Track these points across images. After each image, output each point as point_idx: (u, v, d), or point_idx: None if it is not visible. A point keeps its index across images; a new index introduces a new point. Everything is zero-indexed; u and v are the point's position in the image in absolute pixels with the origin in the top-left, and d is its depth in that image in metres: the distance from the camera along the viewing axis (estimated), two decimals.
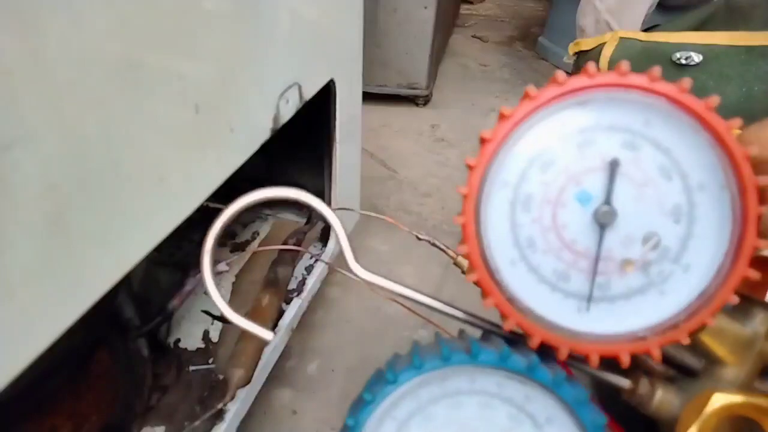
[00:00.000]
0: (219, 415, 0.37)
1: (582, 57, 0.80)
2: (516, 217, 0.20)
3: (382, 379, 0.21)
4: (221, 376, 0.41)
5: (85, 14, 0.19)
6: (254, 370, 0.36)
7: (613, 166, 0.19)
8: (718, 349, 0.22)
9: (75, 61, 0.19)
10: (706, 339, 0.21)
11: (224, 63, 0.28)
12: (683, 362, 0.22)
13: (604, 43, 0.74)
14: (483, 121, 1.02)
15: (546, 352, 0.21)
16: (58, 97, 0.19)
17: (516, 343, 0.21)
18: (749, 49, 0.67)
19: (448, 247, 0.34)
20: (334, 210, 0.50)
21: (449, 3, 1.18)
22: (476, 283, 0.20)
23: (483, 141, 0.20)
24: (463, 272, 0.34)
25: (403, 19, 0.91)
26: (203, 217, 0.59)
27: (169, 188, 0.26)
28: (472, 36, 1.41)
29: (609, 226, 0.19)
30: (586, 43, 0.77)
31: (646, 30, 0.76)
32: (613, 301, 0.20)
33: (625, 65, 0.19)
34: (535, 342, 0.20)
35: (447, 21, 1.22)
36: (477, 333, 0.24)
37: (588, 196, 0.20)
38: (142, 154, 0.24)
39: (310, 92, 0.39)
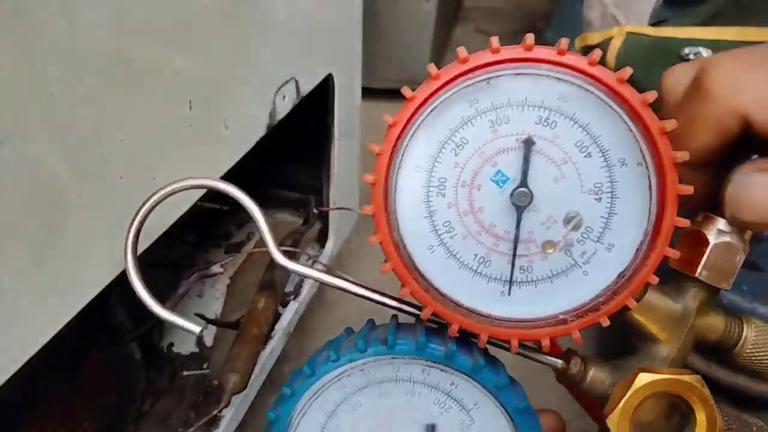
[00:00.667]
0: (214, 422, 0.37)
1: (589, 51, 0.79)
2: (431, 202, 0.19)
3: (301, 373, 0.21)
4: (216, 382, 0.41)
5: (77, 10, 0.19)
6: (250, 376, 0.35)
7: (528, 145, 0.19)
8: (650, 326, 0.21)
9: (66, 58, 0.19)
10: (638, 316, 0.21)
11: (218, 58, 0.28)
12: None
13: (611, 38, 0.73)
14: None
15: (468, 337, 0.21)
16: (50, 95, 0.19)
17: (439, 330, 0.21)
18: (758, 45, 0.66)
19: None
20: (332, 210, 0.49)
21: None
22: (395, 273, 0.19)
23: (389, 125, 0.20)
24: None
25: (404, 11, 0.90)
26: (197, 216, 0.58)
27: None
28: (476, 30, 1.40)
29: (527, 208, 0.19)
30: (593, 38, 0.76)
31: (653, 24, 0.75)
32: (536, 284, 0.20)
33: (529, 38, 0.19)
34: (454, 329, 0.19)
35: (449, 14, 1.21)
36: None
37: (505, 177, 0.19)
38: (134, 152, 0.23)
39: (307, 87, 0.38)
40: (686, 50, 0.67)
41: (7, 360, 0.19)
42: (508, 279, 0.20)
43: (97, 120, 0.21)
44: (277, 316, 0.44)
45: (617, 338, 0.44)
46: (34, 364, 0.20)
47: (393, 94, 0.98)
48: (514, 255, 0.20)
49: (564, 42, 0.19)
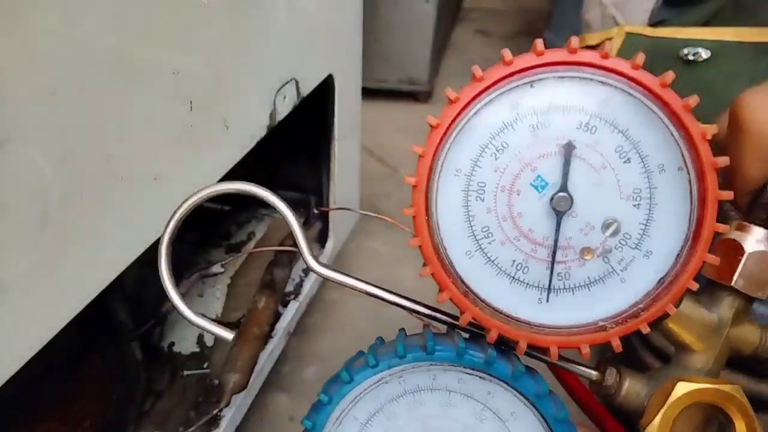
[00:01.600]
0: (214, 421, 0.37)
1: None
2: (470, 206, 0.19)
3: (338, 380, 0.20)
4: (216, 381, 0.40)
5: (77, 10, 0.19)
6: (250, 375, 0.35)
7: (568, 150, 0.19)
8: (686, 336, 0.21)
9: (67, 58, 0.19)
10: (673, 326, 0.21)
11: (219, 58, 0.28)
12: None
13: (611, 38, 0.73)
14: None
15: (506, 345, 0.20)
16: (50, 95, 0.19)
17: (477, 338, 0.21)
18: (758, 46, 0.66)
19: None
20: (333, 210, 0.49)
21: None
22: (434, 278, 0.19)
23: (431, 128, 0.19)
24: None
25: (403, 12, 0.90)
26: (197, 216, 0.58)
27: (163, 187, 0.26)
28: (476, 30, 1.40)
29: (566, 213, 0.19)
30: (592, 38, 0.76)
31: (652, 25, 0.75)
32: (574, 291, 0.20)
33: (574, 41, 0.18)
34: (492, 336, 0.19)
35: (449, 15, 1.21)
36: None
37: (544, 183, 0.19)
38: (135, 152, 0.23)
39: (307, 88, 0.38)
40: (685, 50, 0.67)
41: (9, 359, 0.19)
42: (546, 286, 0.20)
43: (98, 120, 0.21)
44: (277, 316, 0.44)
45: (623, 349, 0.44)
46: (35, 363, 0.20)
47: (393, 95, 0.98)
48: (553, 261, 0.19)
49: (607, 45, 0.19)
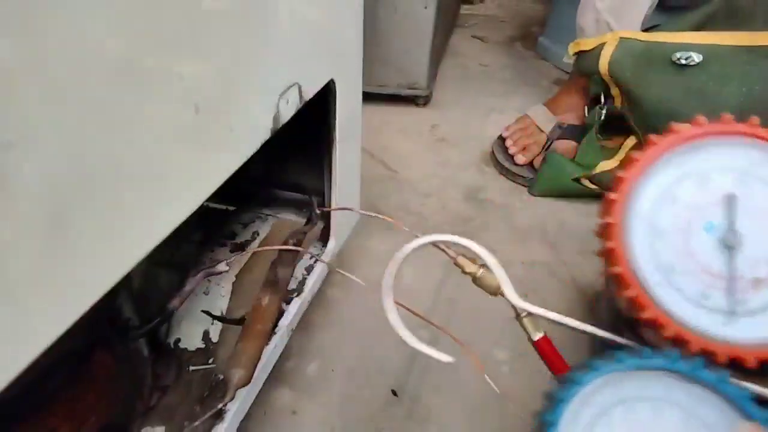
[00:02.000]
0: (219, 415, 0.37)
1: (582, 57, 0.80)
2: (654, 244, 0.23)
3: (570, 380, 0.22)
4: (221, 376, 0.41)
5: (86, 14, 0.19)
6: (254, 371, 0.36)
7: (730, 200, 0.23)
8: None
9: (75, 61, 0.19)
10: None
11: (224, 63, 0.28)
12: None
13: (604, 43, 0.74)
14: (483, 121, 1.02)
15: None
16: (59, 97, 0.19)
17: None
18: (750, 49, 0.67)
19: (448, 247, 0.34)
20: (334, 210, 0.50)
21: (449, 3, 1.17)
22: (631, 300, 0.22)
23: (620, 180, 0.24)
24: (464, 272, 0.34)
25: (403, 18, 0.91)
26: (203, 217, 0.59)
27: (169, 188, 0.26)
28: (473, 36, 1.41)
29: (736, 250, 0.22)
30: (586, 43, 0.77)
31: (646, 30, 0.76)
32: (754, 315, 0.23)
33: (727, 116, 0.23)
34: (693, 349, 0.22)
35: (447, 21, 1.22)
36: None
37: (713, 225, 0.23)
38: (142, 155, 0.24)
39: (310, 92, 0.39)
40: (678, 55, 0.68)
41: (18, 357, 0.19)
42: (728, 311, 0.22)
43: (106, 123, 0.21)
44: (281, 313, 0.44)
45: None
46: (43, 360, 0.20)
47: (392, 99, 0.99)
48: (731, 291, 0.22)
49: (755, 119, 0.23)
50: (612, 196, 0.24)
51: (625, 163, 0.24)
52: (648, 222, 0.23)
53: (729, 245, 0.22)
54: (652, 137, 0.23)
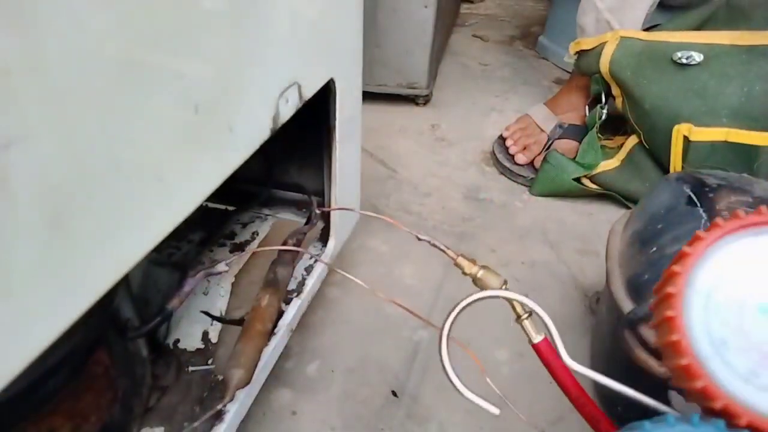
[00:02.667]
0: (218, 416, 0.37)
1: (583, 56, 0.80)
2: (709, 319, 0.24)
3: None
4: (221, 377, 0.41)
5: (85, 13, 0.19)
6: (254, 371, 0.36)
7: None
8: None
9: (74, 61, 0.19)
10: None
11: (224, 62, 0.28)
12: None
13: (605, 43, 0.74)
14: (483, 121, 1.02)
15: None
16: (58, 97, 0.19)
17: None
18: (750, 49, 0.67)
19: (448, 248, 0.34)
20: (334, 210, 0.50)
21: (449, 2, 1.17)
22: (683, 369, 0.23)
23: (684, 254, 0.25)
24: (464, 273, 0.33)
25: (403, 18, 0.91)
26: (202, 217, 0.59)
27: (168, 188, 0.26)
28: (473, 35, 1.41)
29: None
30: (587, 43, 0.77)
31: (646, 29, 0.76)
32: None
33: (765, 210, 0.24)
34: (742, 423, 0.22)
35: (447, 20, 1.22)
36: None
37: (767, 307, 0.24)
38: (141, 154, 0.24)
39: (309, 92, 0.39)
40: (678, 54, 0.68)
41: (16, 358, 0.19)
42: None
43: (105, 122, 0.21)
44: (280, 313, 0.44)
45: (623, 369, 0.45)
46: (42, 360, 0.20)
47: (392, 98, 0.99)
48: None
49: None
50: (676, 268, 0.25)
51: (690, 241, 0.26)
52: (705, 297, 0.24)
53: None
54: (718, 220, 0.25)
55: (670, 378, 0.25)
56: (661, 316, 0.24)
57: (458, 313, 0.25)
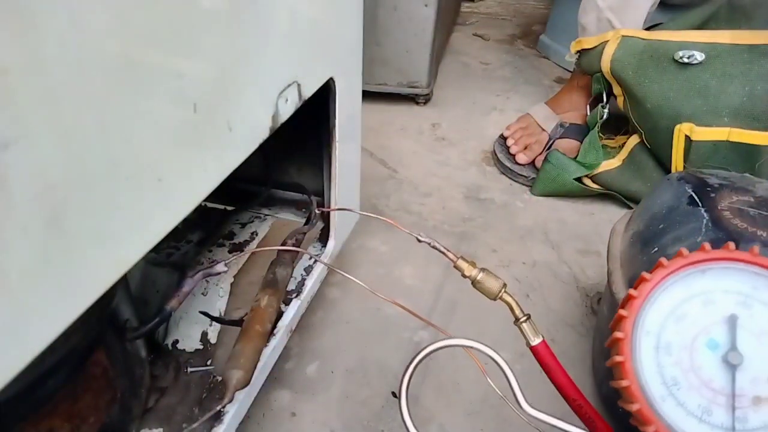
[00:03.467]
0: (217, 417, 0.37)
1: (584, 55, 0.80)
2: (660, 359, 0.24)
3: None
4: (220, 378, 0.41)
5: (83, 13, 0.19)
6: (253, 372, 0.36)
7: (732, 321, 0.24)
8: None
9: (72, 60, 0.19)
10: None
11: (223, 61, 0.28)
12: None
13: (606, 42, 0.74)
14: (484, 120, 1.02)
15: None
16: (56, 96, 0.19)
17: None
18: (752, 48, 0.66)
19: (448, 250, 0.34)
20: (333, 210, 0.50)
21: (450, 1, 1.17)
22: (635, 413, 0.23)
23: (630, 297, 0.25)
24: (464, 276, 0.33)
25: (403, 17, 0.91)
26: (201, 217, 0.59)
27: (167, 188, 0.26)
28: (473, 34, 1.41)
29: (738, 368, 0.24)
30: (588, 42, 0.77)
31: (648, 28, 0.75)
32: None
33: (731, 245, 0.24)
34: None
35: (448, 19, 1.22)
36: None
37: (716, 344, 0.24)
38: (140, 154, 0.24)
39: (309, 91, 0.38)
40: (680, 53, 0.68)
41: (14, 358, 0.19)
42: (730, 427, 0.23)
43: (104, 122, 0.21)
44: (279, 314, 0.44)
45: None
46: (41, 361, 0.20)
47: (392, 98, 0.99)
48: (733, 408, 0.23)
49: (756, 248, 0.24)
50: (623, 312, 0.25)
51: (636, 283, 0.25)
52: (655, 338, 0.24)
53: (731, 363, 0.24)
54: (662, 260, 0.25)
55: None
56: (612, 360, 0.25)
57: (417, 364, 0.26)
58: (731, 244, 0.25)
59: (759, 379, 0.24)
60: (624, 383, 0.23)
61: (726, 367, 0.24)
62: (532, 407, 0.26)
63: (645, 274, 0.25)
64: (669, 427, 0.23)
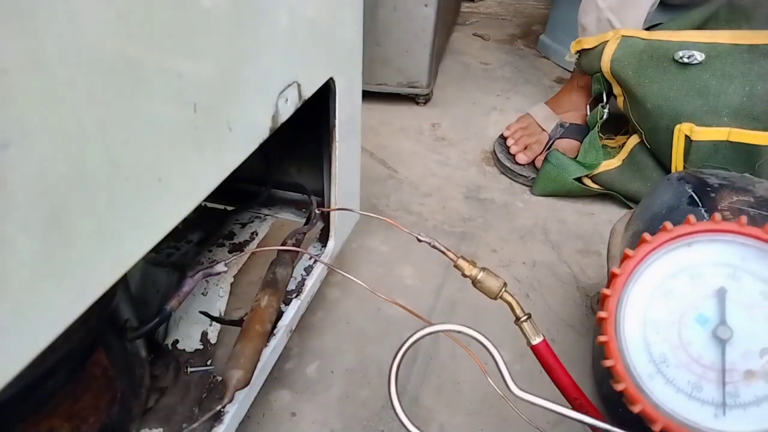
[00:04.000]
0: (217, 417, 0.37)
1: (584, 55, 0.80)
2: (648, 336, 0.23)
3: None
4: (219, 378, 0.41)
5: (83, 12, 0.19)
6: (253, 372, 0.36)
7: (721, 294, 0.23)
8: None
9: (72, 60, 0.19)
10: None
11: (223, 61, 0.28)
12: None
13: (606, 42, 0.74)
14: (484, 120, 1.02)
15: None
16: (56, 96, 0.19)
17: None
18: (752, 48, 0.66)
19: (448, 249, 0.34)
20: (333, 210, 0.50)
21: (450, 1, 1.17)
22: (622, 392, 0.23)
23: (613, 275, 0.24)
24: (464, 275, 0.33)
25: (403, 17, 0.91)
26: (201, 217, 0.59)
27: (167, 188, 0.26)
28: (473, 34, 1.41)
29: (728, 342, 0.23)
30: (588, 42, 0.77)
31: (647, 28, 0.75)
32: (745, 408, 0.23)
33: (717, 216, 0.23)
34: None
35: (448, 19, 1.22)
36: None
37: (705, 318, 0.23)
38: (140, 154, 0.24)
39: (309, 91, 0.38)
40: (680, 53, 0.68)
41: (14, 358, 0.19)
42: (720, 403, 0.23)
43: (103, 122, 0.21)
44: (279, 314, 0.44)
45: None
46: (41, 361, 0.20)
47: (393, 97, 0.99)
48: (723, 383, 0.23)
49: (744, 217, 0.24)
50: (606, 291, 0.24)
51: (620, 261, 0.25)
52: (642, 315, 0.24)
53: (720, 338, 0.23)
54: (645, 236, 0.24)
55: None
56: (597, 339, 0.24)
57: (405, 351, 0.26)
58: (717, 215, 0.24)
59: (750, 353, 0.23)
60: (609, 362, 0.23)
61: (716, 342, 0.23)
62: (521, 389, 0.26)
63: (628, 251, 0.24)
64: (657, 405, 0.23)
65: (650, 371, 0.23)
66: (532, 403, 0.25)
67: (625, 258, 0.24)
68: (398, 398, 0.25)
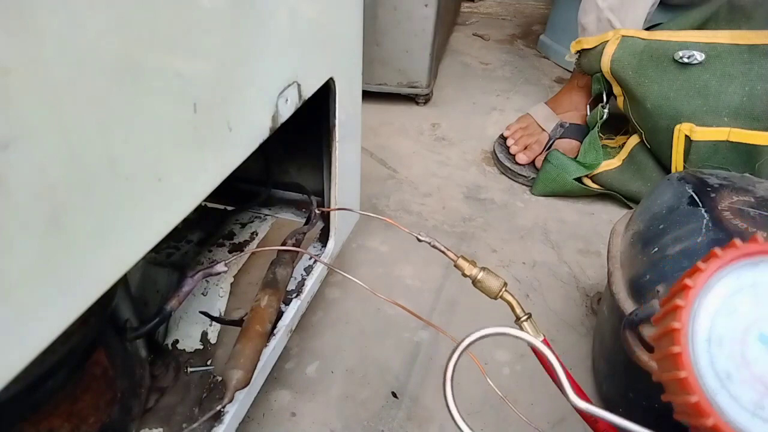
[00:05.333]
0: (217, 417, 0.37)
1: (584, 55, 0.80)
2: (712, 352, 0.24)
3: None
4: (220, 378, 0.41)
5: (83, 12, 0.19)
6: (253, 372, 0.36)
7: None
8: None
9: (72, 60, 0.19)
10: None
11: (223, 61, 0.28)
12: None
13: (606, 42, 0.74)
14: (484, 120, 1.02)
15: None
16: (56, 96, 0.19)
17: None
18: (751, 48, 0.66)
19: (448, 249, 0.34)
20: (333, 210, 0.50)
21: (450, 1, 1.17)
22: (692, 406, 0.23)
23: (686, 287, 0.25)
24: (464, 275, 0.33)
25: (403, 17, 0.91)
26: (201, 217, 0.59)
27: (167, 188, 0.26)
28: (473, 34, 1.41)
29: None
30: (588, 42, 0.77)
31: (647, 28, 0.75)
32: None
33: None
34: None
35: (448, 19, 1.22)
36: None
37: (767, 337, 0.24)
38: (140, 154, 0.24)
39: (309, 91, 0.38)
40: (680, 53, 0.68)
41: (14, 358, 0.19)
42: None
43: (103, 122, 0.21)
44: (279, 314, 0.44)
45: (624, 369, 0.45)
46: (41, 361, 0.20)
47: (393, 97, 0.99)
48: None
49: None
50: (679, 302, 0.25)
51: (690, 272, 0.25)
52: (708, 329, 0.24)
53: None
54: (716, 250, 0.25)
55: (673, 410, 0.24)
56: (665, 350, 0.24)
57: (462, 351, 0.26)
58: None
59: None
60: (682, 374, 0.23)
61: None
62: (582, 399, 0.26)
63: (700, 264, 0.25)
64: (727, 419, 0.23)
65: (715, 386, 0.24)
66: (594, 414, 0.26)
67: (696, 270, 0.25)
68: (455, 402, 0.25)
